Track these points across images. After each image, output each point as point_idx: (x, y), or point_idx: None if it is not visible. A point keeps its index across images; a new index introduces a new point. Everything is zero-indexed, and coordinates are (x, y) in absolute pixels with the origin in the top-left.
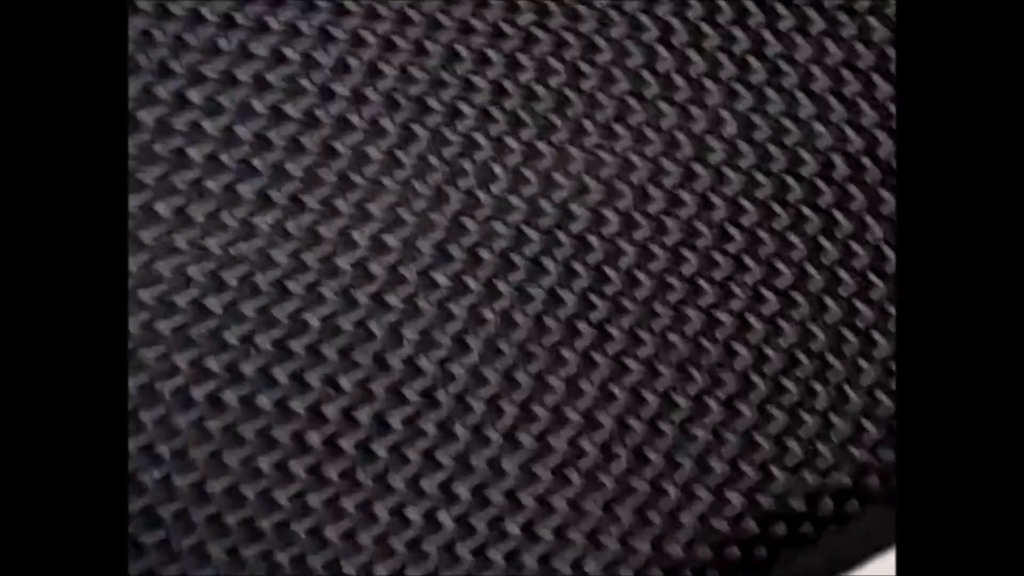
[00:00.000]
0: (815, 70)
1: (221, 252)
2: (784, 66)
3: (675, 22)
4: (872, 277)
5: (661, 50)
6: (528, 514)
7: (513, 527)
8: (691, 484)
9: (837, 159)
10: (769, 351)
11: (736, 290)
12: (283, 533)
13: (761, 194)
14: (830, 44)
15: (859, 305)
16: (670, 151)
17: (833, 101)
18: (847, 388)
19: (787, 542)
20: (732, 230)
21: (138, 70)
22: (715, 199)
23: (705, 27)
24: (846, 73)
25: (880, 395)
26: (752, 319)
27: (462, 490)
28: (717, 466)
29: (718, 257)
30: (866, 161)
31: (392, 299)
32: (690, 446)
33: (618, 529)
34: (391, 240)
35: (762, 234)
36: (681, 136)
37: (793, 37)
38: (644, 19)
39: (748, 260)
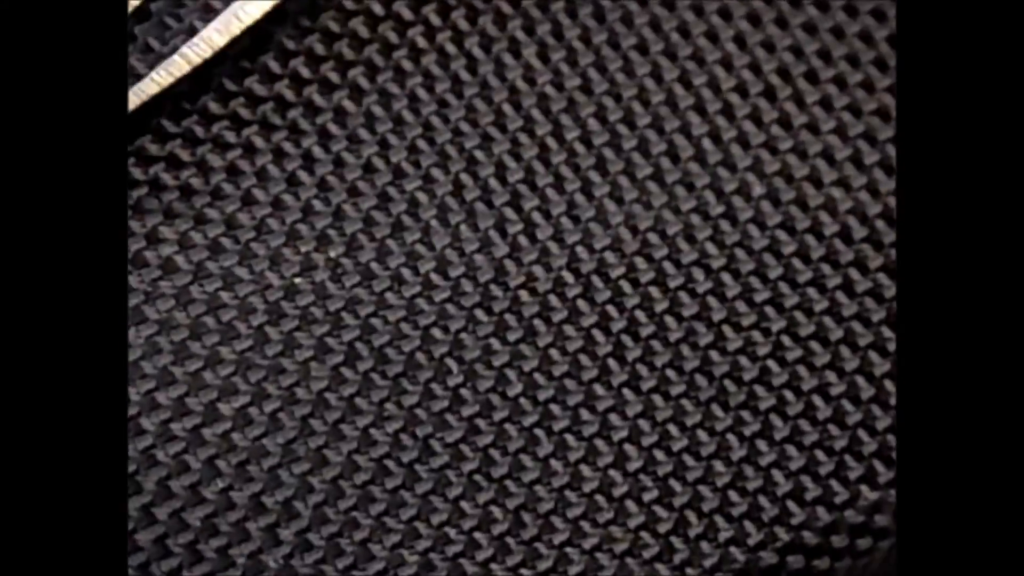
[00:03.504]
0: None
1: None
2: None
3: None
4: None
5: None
6: (561, 536)
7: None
8: (713, 515)
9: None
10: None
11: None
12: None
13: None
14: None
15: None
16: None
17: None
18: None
19: (804, 573)
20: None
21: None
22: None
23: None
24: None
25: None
26: (772, 363)
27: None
28: (738, 500)
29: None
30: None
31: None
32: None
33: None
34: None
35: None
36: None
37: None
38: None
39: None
